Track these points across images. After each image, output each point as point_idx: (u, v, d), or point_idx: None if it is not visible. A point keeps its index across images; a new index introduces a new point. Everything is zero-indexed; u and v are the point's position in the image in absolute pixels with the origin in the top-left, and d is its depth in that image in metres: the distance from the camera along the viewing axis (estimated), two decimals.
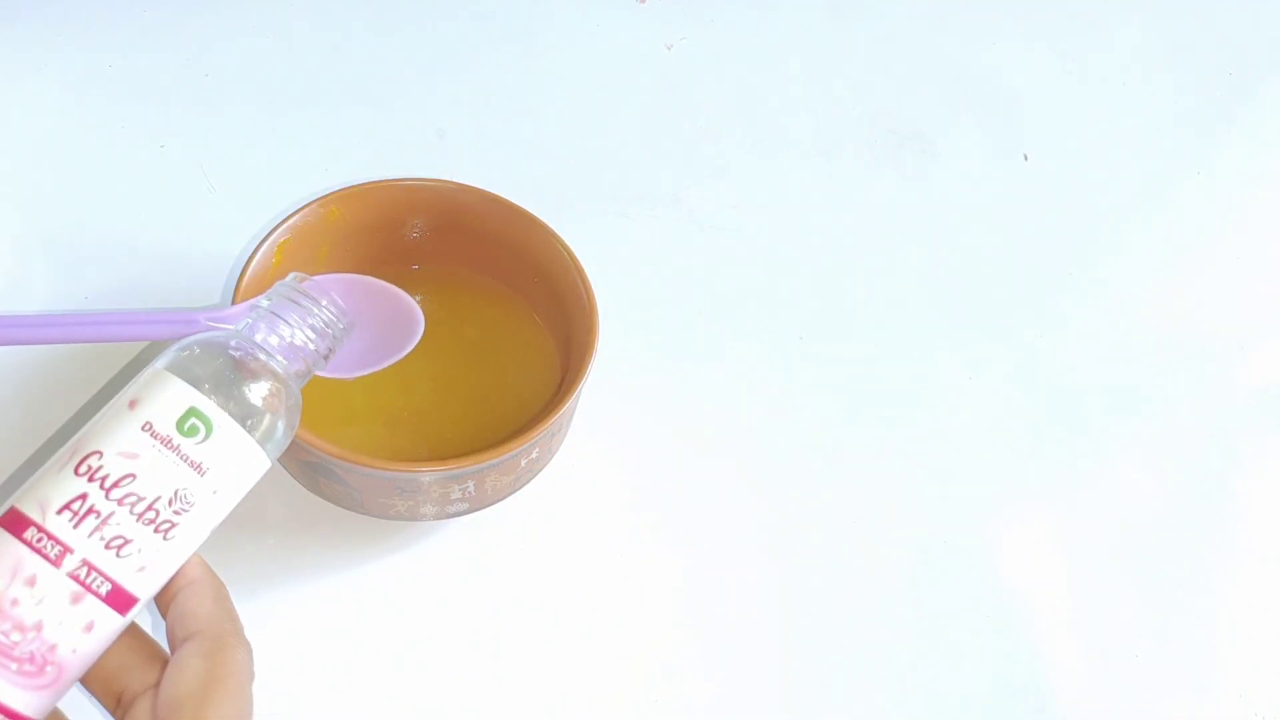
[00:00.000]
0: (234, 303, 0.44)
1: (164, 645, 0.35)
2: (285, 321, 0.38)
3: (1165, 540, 0.54)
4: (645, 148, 0.65)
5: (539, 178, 0.62)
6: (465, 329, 0.52)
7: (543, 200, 0.51)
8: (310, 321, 0.39)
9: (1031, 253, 0.64)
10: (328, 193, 0.49)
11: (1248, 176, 0.70)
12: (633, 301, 0.57)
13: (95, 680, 0.34)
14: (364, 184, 0.50)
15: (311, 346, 0.39)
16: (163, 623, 0.35)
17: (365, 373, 0.44)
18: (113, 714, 0.34)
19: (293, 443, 0.42)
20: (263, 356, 0.37)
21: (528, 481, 0.48)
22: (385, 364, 0.44)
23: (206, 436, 0.34)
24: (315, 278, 0.45)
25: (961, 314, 0.61)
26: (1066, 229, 0.66)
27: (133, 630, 0.35)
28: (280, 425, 0.36)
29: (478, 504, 0.47)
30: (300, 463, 0.45)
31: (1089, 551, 0.54)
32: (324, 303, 0.39)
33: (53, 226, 0.57)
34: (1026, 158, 0.68)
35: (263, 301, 0.40)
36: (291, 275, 0.41)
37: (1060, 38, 0.75)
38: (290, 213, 0.48)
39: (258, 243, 0.47)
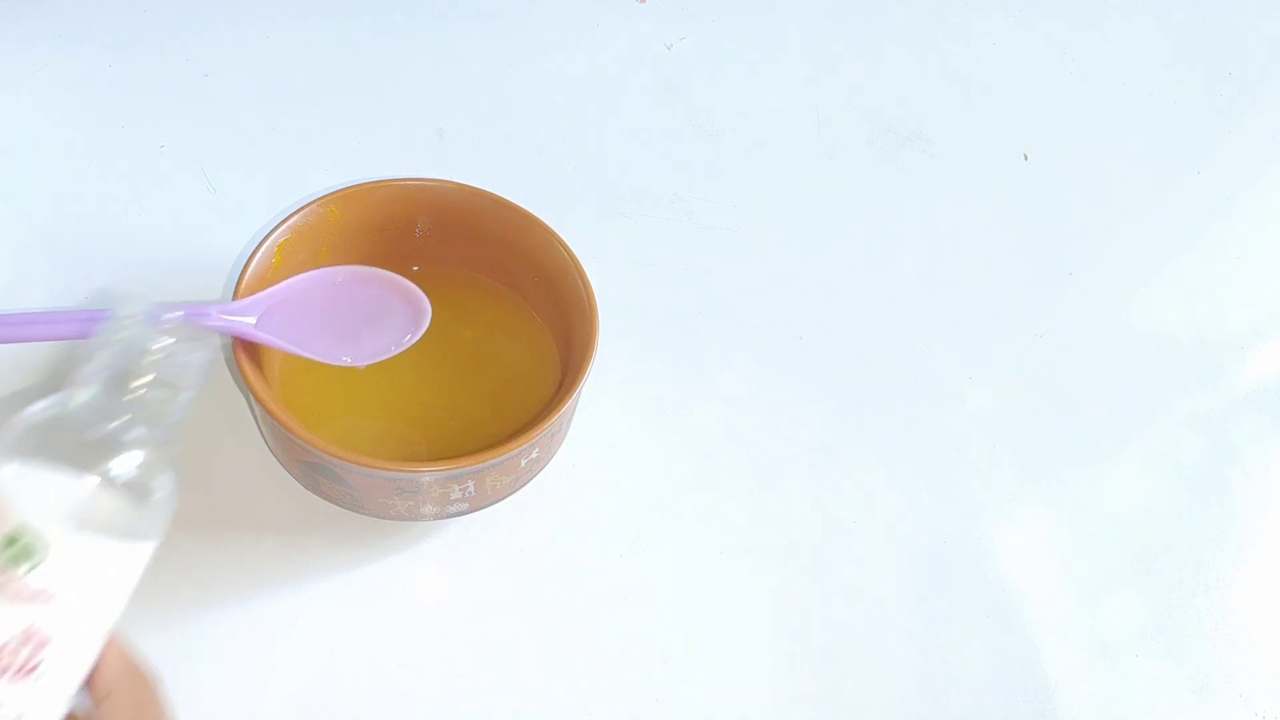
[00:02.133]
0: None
1: None
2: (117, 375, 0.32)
3: (1165, 540, 0.54)
4: (645, 148, 0.65)
5: (539, 178, 0.62)
6: (465, 329, 0.52)
7: (543, 200, 0.51)
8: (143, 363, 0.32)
9: (1031, 253, 0.64)
10: (328, 193, 0.49)
11: (1248, 176, 0.70)
12: (633, 301, 0.57)
13: None
14: (364, 184, 0.50)
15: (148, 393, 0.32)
16: None
17: (377, 359, 0.45)
18: None
19: (293, 442, 0.42)
20: (103, 426, 0.31)
21: (528, 481, 0.48)
22: (395, 351, 0.45)
23: (39, 560, 0.28)
24: (326, 269, 0.46)
25: (961, 314, 0.61)
26: (1066, 229, 0.65)
27: None
28: (136, 496, 0.31)
29: (478, 504, 0.47)
30: (300, 463, 0.45)
31: (1089, 551, 0.54)
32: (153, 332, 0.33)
33: (53, 226, 0.57)
34: (1026, 157, 0.68)
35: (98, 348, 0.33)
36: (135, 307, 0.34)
37: (1060, 38, 0.75)
38: (290, 213, 0.48)
39: (258, 243, 0.47)
